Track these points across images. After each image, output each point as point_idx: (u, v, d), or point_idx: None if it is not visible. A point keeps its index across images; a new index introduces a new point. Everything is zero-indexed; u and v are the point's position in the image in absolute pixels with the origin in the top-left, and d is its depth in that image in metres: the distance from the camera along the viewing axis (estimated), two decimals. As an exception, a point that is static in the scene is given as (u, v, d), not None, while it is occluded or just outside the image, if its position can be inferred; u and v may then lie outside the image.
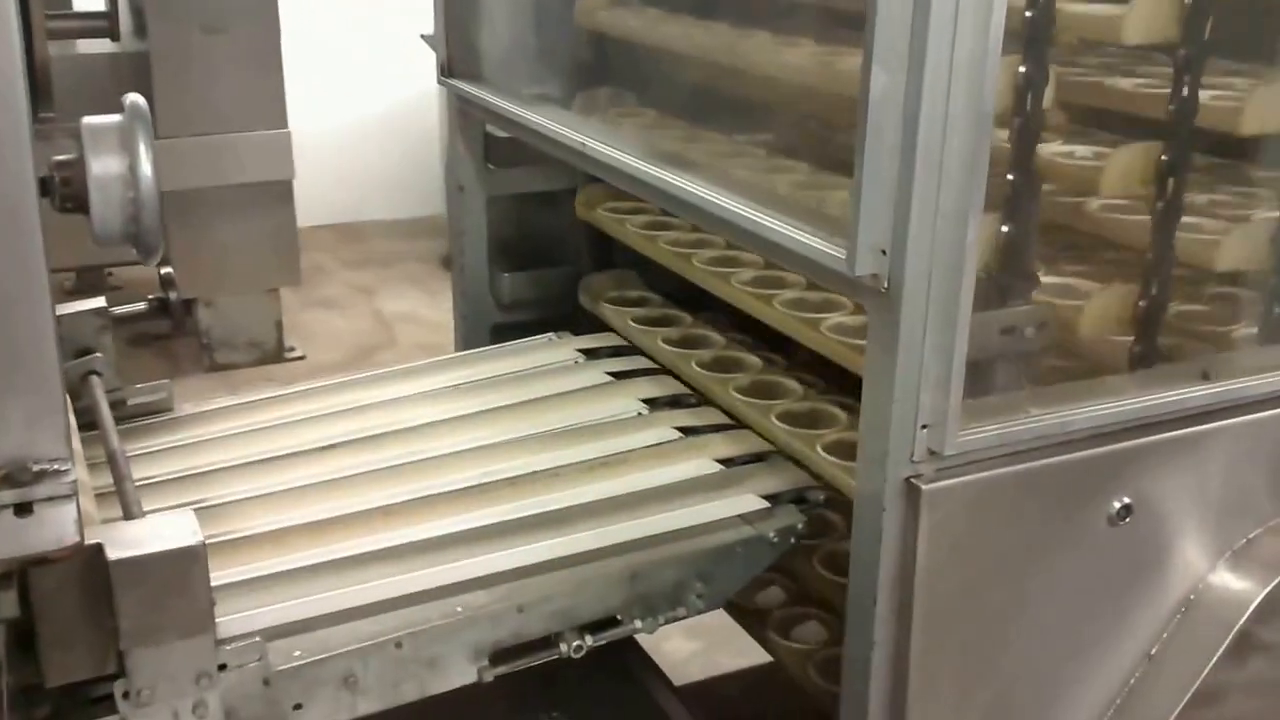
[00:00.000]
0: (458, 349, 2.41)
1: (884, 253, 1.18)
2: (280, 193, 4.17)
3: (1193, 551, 1.49)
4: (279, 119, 4.06)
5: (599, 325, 2.28)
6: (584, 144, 1.79)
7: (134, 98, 1.23)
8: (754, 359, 2.02)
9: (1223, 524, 1.50)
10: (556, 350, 2.18)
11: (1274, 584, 1.48)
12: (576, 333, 2.25)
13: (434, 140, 5.40)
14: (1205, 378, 1.44)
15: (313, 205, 5.01)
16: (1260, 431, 1.49)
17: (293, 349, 4.48)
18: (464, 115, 2.34)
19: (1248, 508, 1.52)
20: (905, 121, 1.13)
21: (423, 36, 3.62)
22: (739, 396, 1.87)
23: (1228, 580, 1.50)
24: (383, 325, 4.88)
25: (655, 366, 2.08)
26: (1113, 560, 1.44)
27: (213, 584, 1.20)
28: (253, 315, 4.38)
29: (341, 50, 5.63)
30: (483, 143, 2.35)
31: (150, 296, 4.20)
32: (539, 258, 2.45)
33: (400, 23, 4.94)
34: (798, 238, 1.33)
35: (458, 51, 2.34)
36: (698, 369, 1.97)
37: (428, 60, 2.55)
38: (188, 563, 1.16)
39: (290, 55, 4.08)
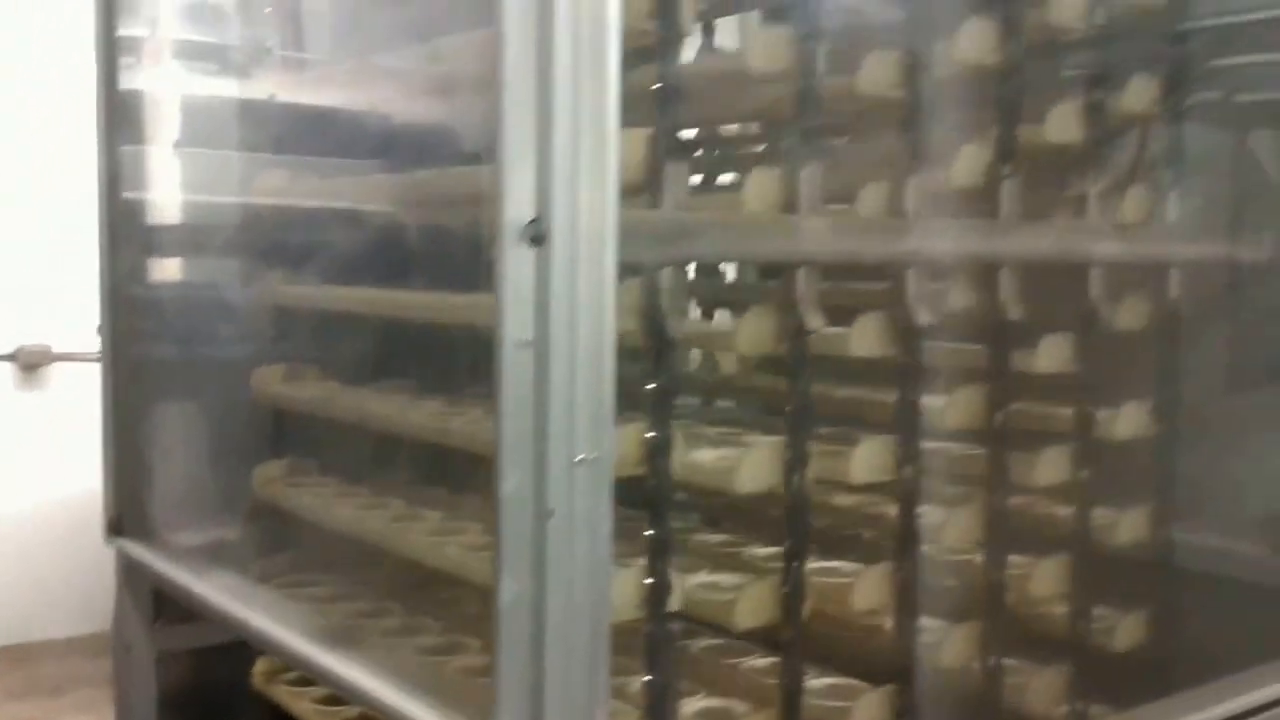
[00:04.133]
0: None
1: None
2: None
3: None
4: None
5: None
6: (247, 621, 1.82)
7: None
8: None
9: None
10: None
11: None
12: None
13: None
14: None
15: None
16: None
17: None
18: (131, 572, 2.32)
19: None
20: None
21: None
22: None
23: None
24: (46, 771, 4.49)
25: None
26: None
27: None
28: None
29: None
30: (152, 601, 2.33)
31: None
32: (216, 714, 2.40)
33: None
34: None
35: (127, 507, 2.35)
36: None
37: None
38: None
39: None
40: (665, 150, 1.45)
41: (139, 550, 2.26)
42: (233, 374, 2.37)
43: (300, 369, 2.32)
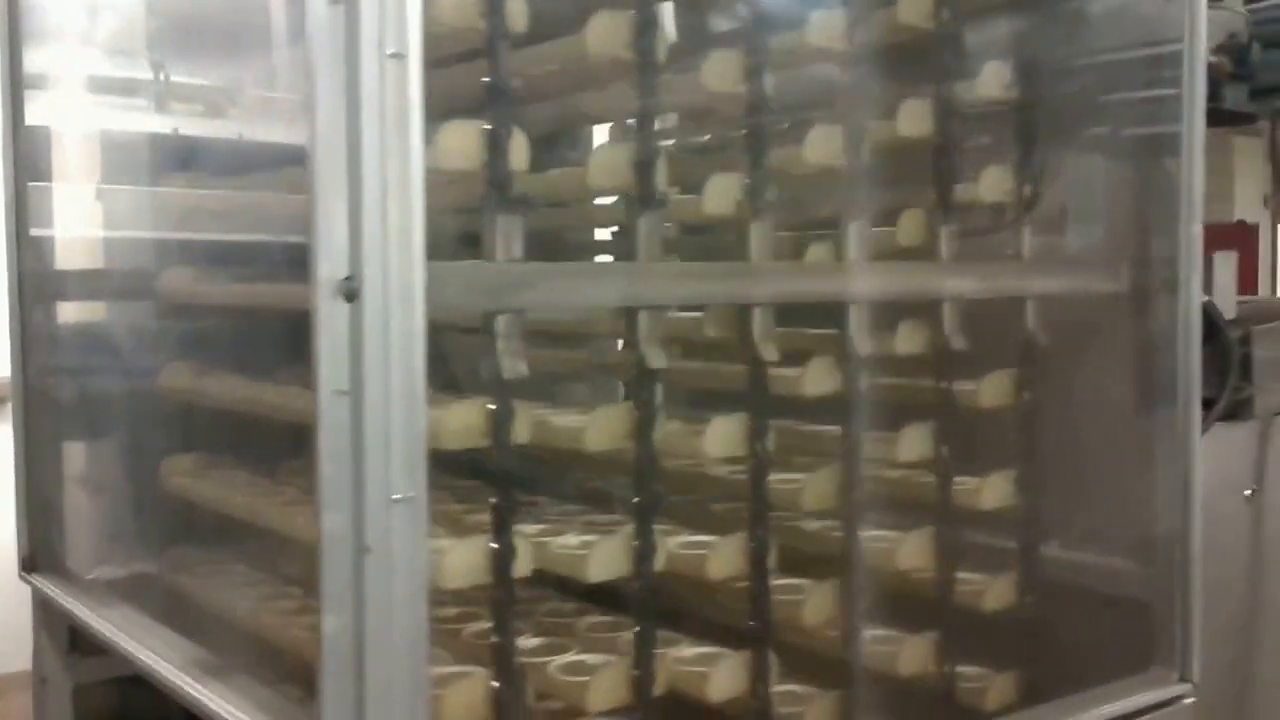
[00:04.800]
0: None
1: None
2: None
3: None
4: None
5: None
6: (134, 653, 1.91)
7: None
8: None
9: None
10: None
11: None
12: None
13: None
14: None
15: None
16: None
17: None
18: (46, 608, 2.40)
19: None
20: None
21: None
22: None
23: None
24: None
25: None
26: None
27: None
28: None
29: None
30: (68, 635, 2.41)
31: None
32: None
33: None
34: None
35: (40, 545, 2.43)
36: None
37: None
38: None
39: None
40: (497, 203, 1.55)
41: (50, 586, 2.34)
42: (141, 409, 2.44)
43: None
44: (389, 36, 1.28)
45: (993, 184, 2.13)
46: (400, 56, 1.29)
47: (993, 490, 2.11)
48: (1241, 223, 4.83)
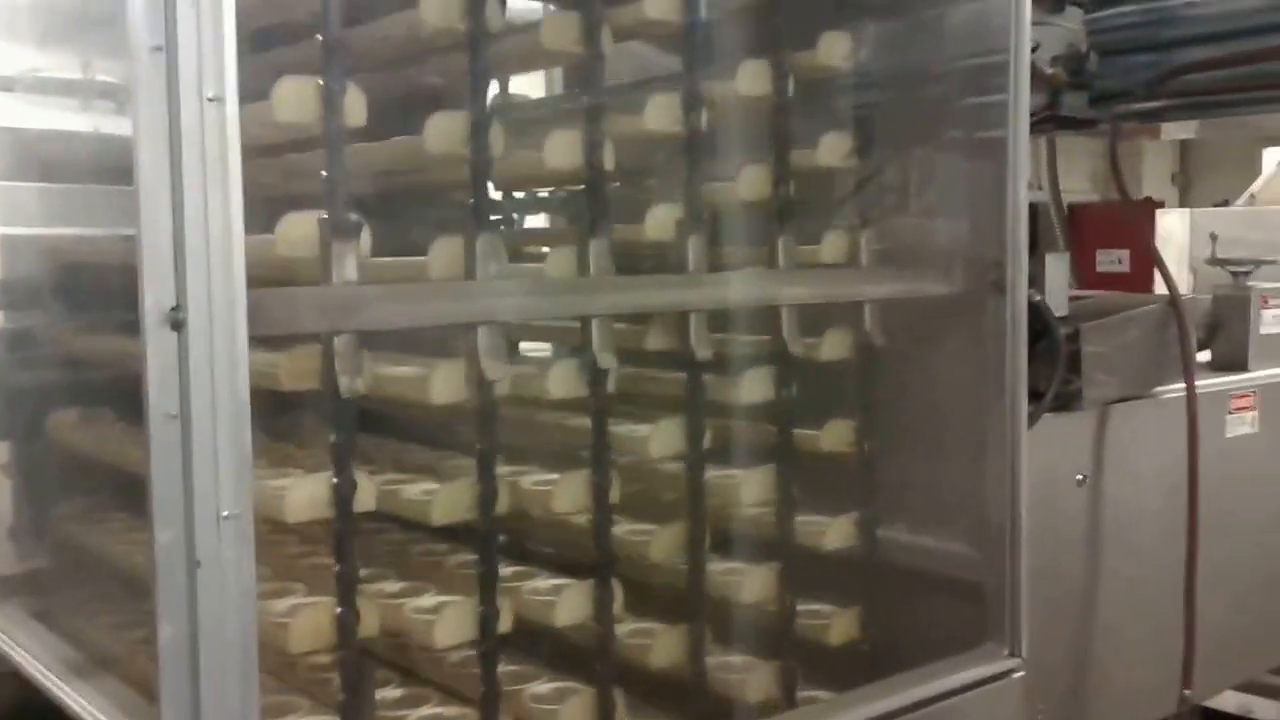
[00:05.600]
0: None
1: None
2: None
3: None
4: None
5: None
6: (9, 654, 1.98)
7: None
8: None
9: None
10: None
11: None
12: None
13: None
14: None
15: None
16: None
17: None
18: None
19: None
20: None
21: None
22: None
23: None
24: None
25: None
26: None
27: None
28: None
29: None
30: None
31: None
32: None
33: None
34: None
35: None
36: None
37: None
38: None
39: None
40: (334, 230, 1.63)
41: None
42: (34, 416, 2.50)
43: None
44: (208, 81, 1.36)
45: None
46: (219, 100, 1.37)
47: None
48: (1149, 199, 5.02)
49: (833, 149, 2.29)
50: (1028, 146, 2.27)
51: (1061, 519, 2.48)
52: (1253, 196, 4.81)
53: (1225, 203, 4.91)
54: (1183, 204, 5.37)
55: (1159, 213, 4.53)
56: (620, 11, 2.04)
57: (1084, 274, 4.58)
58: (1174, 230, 4.50)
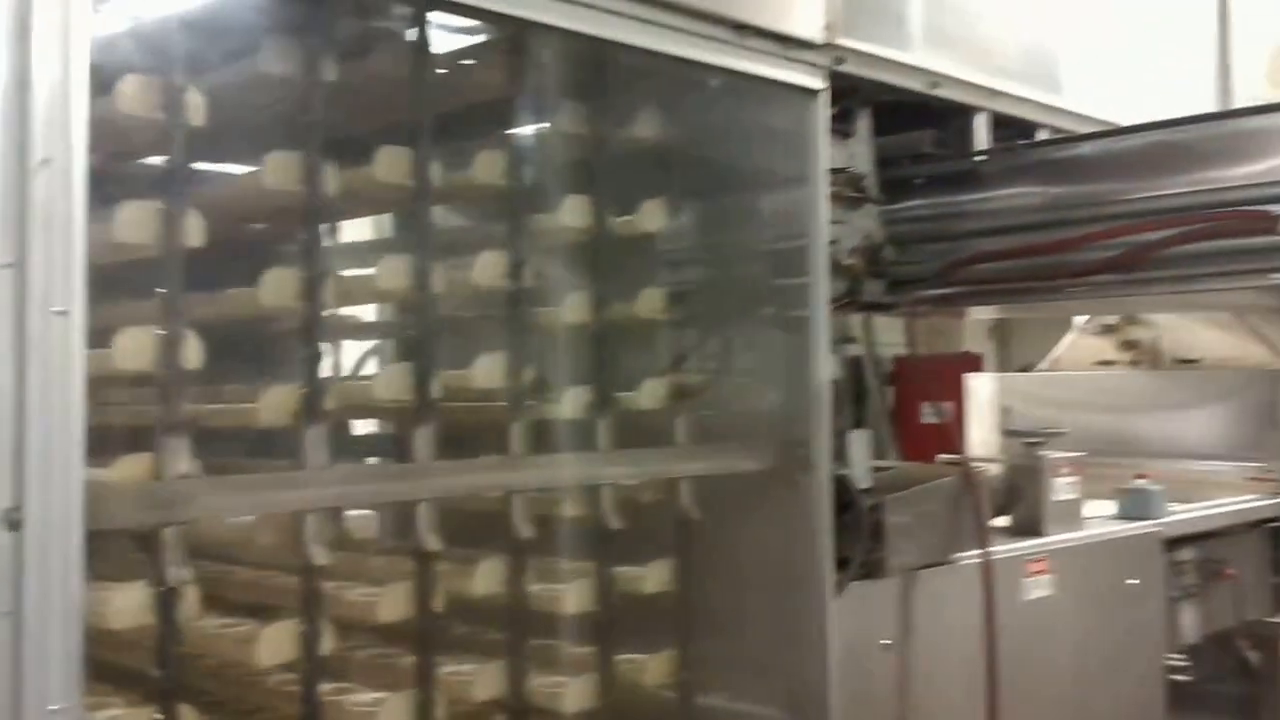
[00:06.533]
0: None
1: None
2: None
3: None
4: None
5: None
6: None
7: None
8: None
9: None
10: None
11: None
12: None
13: None
14: None
15: None
16: None
17: None
18: None
19: None
20: None
21: None
22: None
23: None
24: None
25: None
26: None
27: None
28: None
29: None
30: None
31: None
32: None
33: None
34: None
35: None
36: None
37: None
38: None
39: None
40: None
41: None
42: None
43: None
44: (55, 295, 1.45)
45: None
46: (65, 314, 1.46)
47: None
48: (968, 353, 5.32)
49: (650, 303, 2.48)
50: (828, 332, 2.48)
51: (870, 682, 2.62)
52: (1056, 360, 5.16)
53: (1029, 367, 5.25)
54: (1001, 358, 5.69)
55: (970, 376, 4.83)
56: (453, 177, 2.21)
57: (907, 426, 4.85)
58: (983, 391, 4.80)
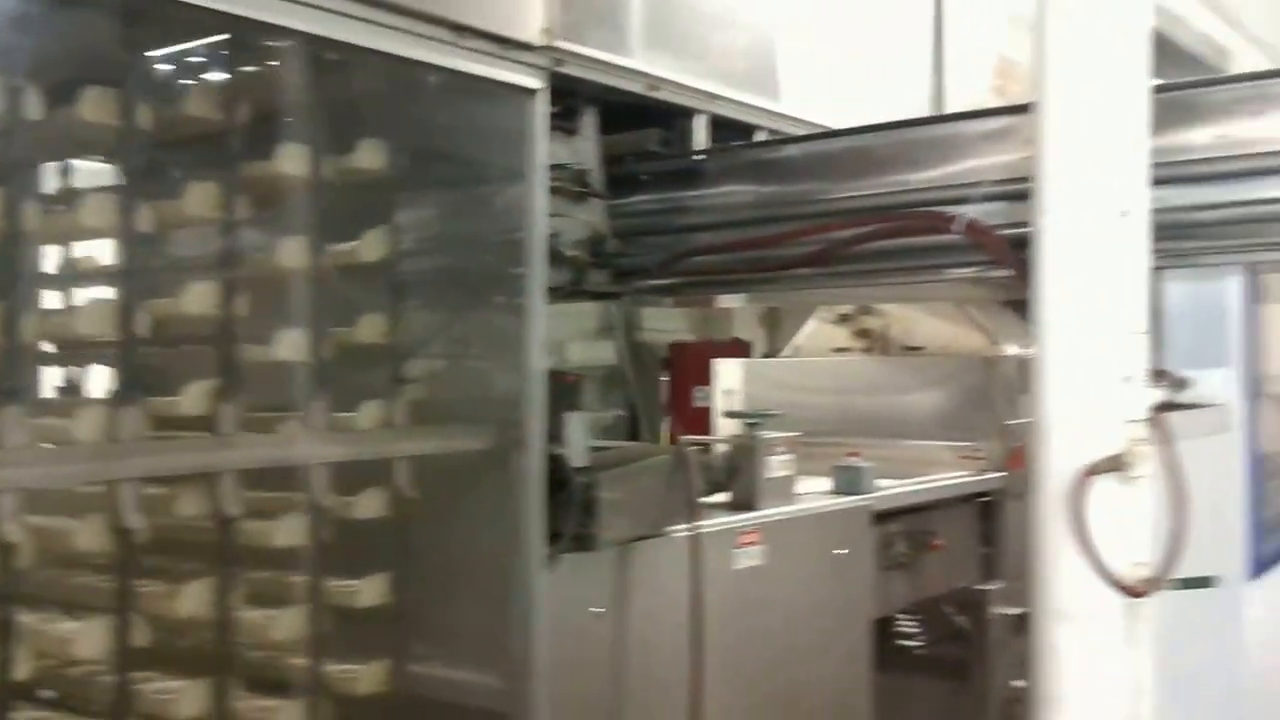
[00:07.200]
0: None
1: None
2: None
3: None
4: None
5: None
6: None
7: None
8: None
9: None
10: None
11: None
12: None
13: None
14: None
15: None
16: None
17: None
18: None
19: None
20: None
21: None
22: None
23: None
24: None
25: None
26: None
27: None
28: None
29: None
30: None
31: None
32: None
33: None
34: None
35: None
36: None
37: None
38: None
39: None
40: None
41: None
42: None
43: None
44: None
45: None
46: None
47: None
48: (737, 340, 5.54)
49: (373, 327, 2.57)
50: (544, 318, 2.62)
51: (583, 649, 2.78)
52: (797, 348, 5.45)
53: (775, 353, 5.52)
54: (770, 344, 5.93)
55: (720, 361, 5.06)
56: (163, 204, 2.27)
57: (680, 409, 5.06)
58: (732, 376, 5.04)
